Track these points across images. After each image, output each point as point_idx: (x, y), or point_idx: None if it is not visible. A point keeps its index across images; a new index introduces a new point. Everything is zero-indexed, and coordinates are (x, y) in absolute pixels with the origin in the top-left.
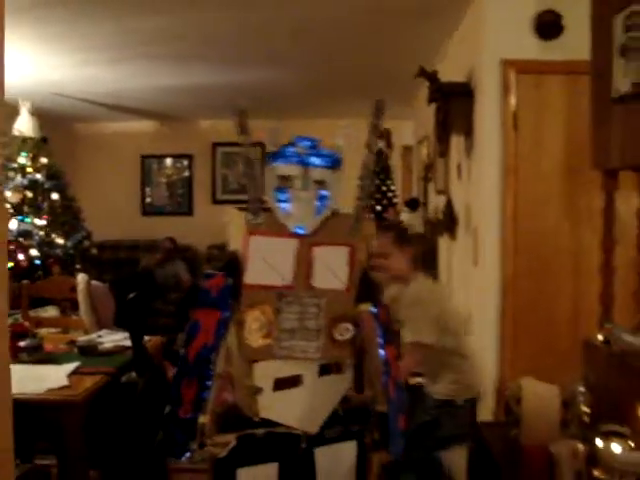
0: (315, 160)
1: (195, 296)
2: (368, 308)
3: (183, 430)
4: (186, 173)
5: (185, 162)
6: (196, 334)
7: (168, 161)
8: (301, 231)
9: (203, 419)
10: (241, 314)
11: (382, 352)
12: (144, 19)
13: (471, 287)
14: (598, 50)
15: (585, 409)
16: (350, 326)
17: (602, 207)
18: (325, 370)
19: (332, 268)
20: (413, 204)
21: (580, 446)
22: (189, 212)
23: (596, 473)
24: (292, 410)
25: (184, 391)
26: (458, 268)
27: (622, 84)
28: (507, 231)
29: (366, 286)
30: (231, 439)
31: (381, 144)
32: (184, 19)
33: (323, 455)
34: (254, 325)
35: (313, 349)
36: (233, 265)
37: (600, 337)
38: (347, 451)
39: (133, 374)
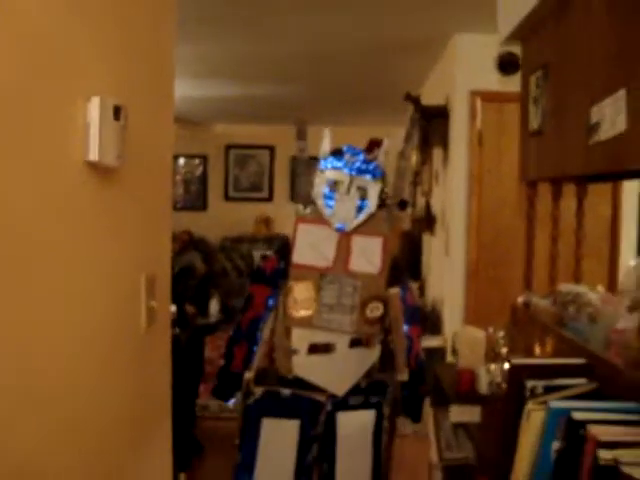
0: (361, 171)
1: (209, 282)
2: (397, 291)
3: (232, 381)
4: (199, 172)
5: (197, 161)
6: (250, 306)
7: (181, 161)
8: (342, 228)
9: (248, 375)
10: (288, 286)
11: (406, 329)
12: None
13: (445, 273)
14: (523, 97)
15: (504, 349)
16: (380, 305)
17: (525, 208)
18: (355, 343)
19: (368, 255)
20: (402, 204)
21: (493, 366)
22: (203, 207)
23: (503, 385)
24: (323, 373)
25: (236, 351)
26: (436, 258)
27: (534, 124)
28: (472, 228)
29: (396, 272)
30: (259, 391)
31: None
32: (213, 46)
33: (345, 419)
34: (299, 297)
35: (347, 323)
36: (286, 250)
37: (520, 300)
38: (366, 418)
39: (177, 329)
